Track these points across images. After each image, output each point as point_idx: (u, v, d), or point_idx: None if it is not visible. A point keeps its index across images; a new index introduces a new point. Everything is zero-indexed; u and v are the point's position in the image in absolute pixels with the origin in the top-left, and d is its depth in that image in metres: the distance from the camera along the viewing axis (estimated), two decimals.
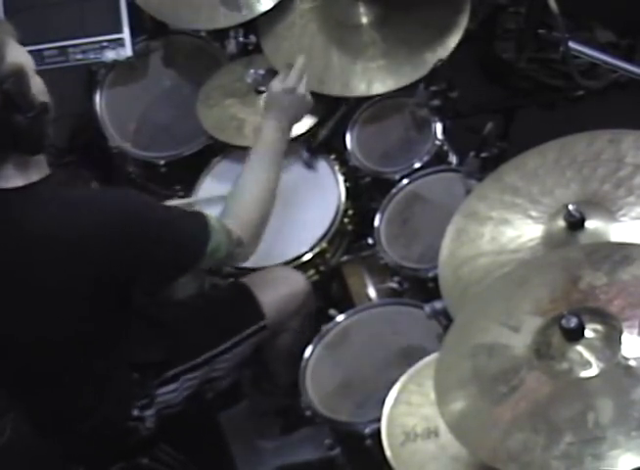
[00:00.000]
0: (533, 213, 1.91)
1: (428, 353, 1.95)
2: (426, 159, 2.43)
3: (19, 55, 1.83)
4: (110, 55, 2.67)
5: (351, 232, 2.55)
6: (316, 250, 2.45)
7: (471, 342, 1.69)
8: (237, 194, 2.18)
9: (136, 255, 1.92)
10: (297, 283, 2.36)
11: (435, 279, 2.02)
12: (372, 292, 2.48)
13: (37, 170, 1.89)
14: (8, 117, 1.79)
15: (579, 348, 1.55)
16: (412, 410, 1.88)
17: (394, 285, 2.34)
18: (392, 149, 2.52)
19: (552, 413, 1.49)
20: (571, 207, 1.82)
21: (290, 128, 2.32)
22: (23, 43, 1.88)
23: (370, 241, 2.40)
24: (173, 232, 1.99)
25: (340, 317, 2.29)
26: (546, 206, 1.91)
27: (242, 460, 2.58)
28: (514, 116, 2.74)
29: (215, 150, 2.66)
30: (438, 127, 2.45)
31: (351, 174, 2.54)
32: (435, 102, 2.46)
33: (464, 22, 2.49)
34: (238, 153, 2.60)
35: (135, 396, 2.13)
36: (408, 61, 2.50)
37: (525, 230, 1.90)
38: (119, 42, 2.67)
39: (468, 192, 2.12)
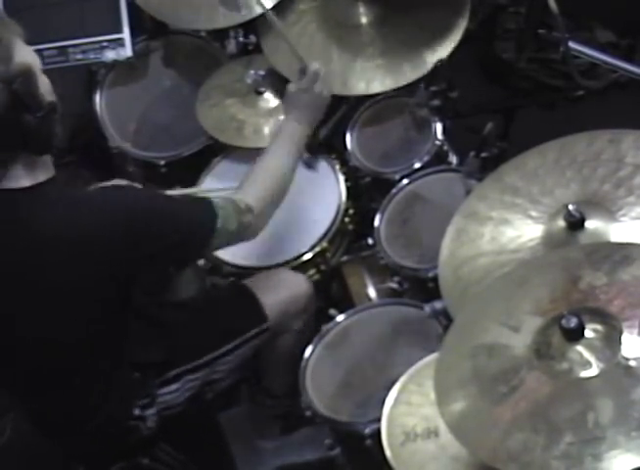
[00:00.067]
0: (533, 213, 1.91)
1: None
2: (426, 159, 2.43)
3: (26, 54, 1.83)
4: (110, 55, 2.67)
5: (352, 232, 2.55)
6: (317, 249, 2.45)
7: (471, 342, 1.69)
8: (251, 173, 2.20)
9: (144, 251, 1.92)
10: (299, 285, 2.36)
11: (435, 279, 2.02)
12: (372, 292, 2.48)
13: (44, 171, 1.90)
14: (17, 117, 1.79)
15: (579, 348, 1.55)
16: (412, 410, 1.88)
17: (394, 285, 2.34)
18: (392, 149, 2.52)
19: (552, 413, 1.49)
20: (571, 207, 1.81)
21: (309, 129, 2.34)
22: None
23: (370, 241, 2.40)
24: (179, 221, 1.99)
25: (340, 317, 2.29)
26: (546, 206, 1.91)
27: (242, 460, 2.58)
28: (514, 116, 2.74)
29: (215, 150, 2.66)
30: (438, 127, 2.45)
31: (351, 174, 2.54)
32: (435, 102, 2.46)
33: (464, 22, 2.49)
34: (238, 153, 2.60)
35: (136, 395, 2.14)
36: (408, 60, 2.49)
37: (525, 230, 1.90)
38: (119, 42, 2.67)
39: (468, 192, 2.12)
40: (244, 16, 2.61)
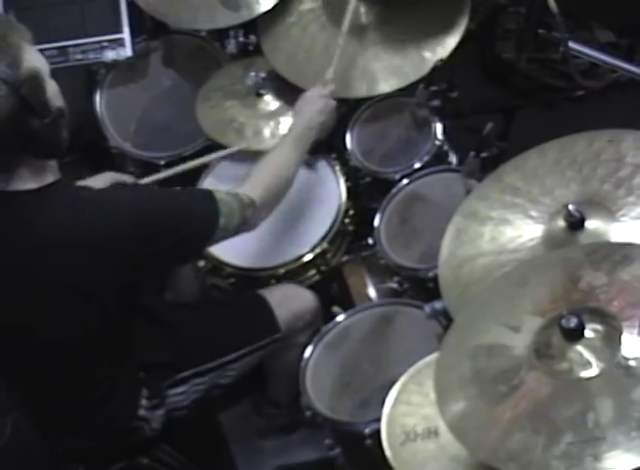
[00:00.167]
0: (533, 213, 1.91)
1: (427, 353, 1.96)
2: (426, 159, 2.43)
3: (35, 60, 1.84)
4: (110, 55, 2.67)
5: (352, 232, 2.55)
6: (317, 250, 2.45)
7: (471, 342, 1.69)
8: (256, 167, 2.23)
9: (154, 248, 1.94)
10: (307, 300, 2.38)
11: (435, 279, 2.02)
12: (372, 292, 2.48)
13: (51, 173, 1.91)
14: (24, 122, 1.80)
15: (579, 348, 1.55)
16: (412, 410, 1.88)
17: (394, 285, 2.34)
18: (392, 149, 2.52)
19: (552, 413, 1.49)
20: (571, 207, 1.81)
21: (317, 135, 2.38)
22: None
23: (370, 241, 2.40)
24: (185, 217, 2.00)
25: (340, 317, 2.29)
26: (546, 206, 1.91)
27: (242, 460, 2.59)
28: (514, 116, 2.74)
29: (215, 150, 2.66)
30: (438, 127, 2.45)
31: (351, 174, 2.54)
32: (435, 102, 2.46)
33: (464, 21, 2.49)
34: (238, 154, 2.60)
35: (142, 395, 2.14)
36: (408, 61, 2.50)
37: (525, 230, 1.90)
38: (119, 42, 2.67)
39: (468, 192, 2.12)
40: (244, 16, 2.61)
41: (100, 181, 2.33)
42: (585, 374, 1.52)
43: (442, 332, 2.03)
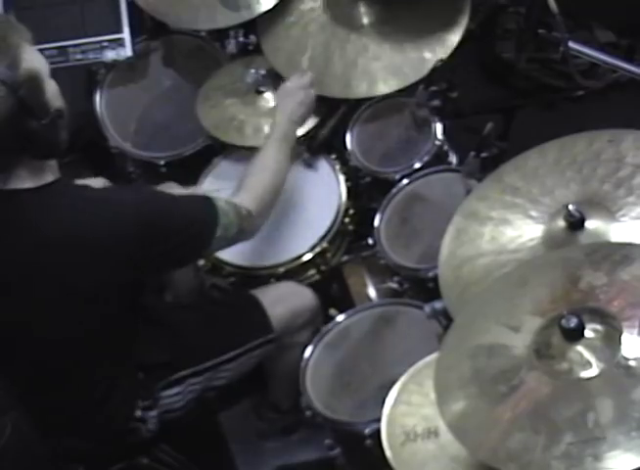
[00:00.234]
0: (533, 213, 1.91)
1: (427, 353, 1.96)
2: (426, 159, 2.43)
3: (34, 60, 1.83)
4: (110, 55, 2.67)
5: (352, 232, 2.55)
6: (317, 250, 2.45)
7: (471, 342, 1.69)
8: (248, 175, 2.23)
9: (154, 250, 1.94)
10: (305, 298, 2.37)
11: (435, 279, 2.02)
12: (372, 292, 2.48)
13: (50, 173, 1.91)
14: (22, 123, 1.80)
15: (579, 348, 1.55)
16: (412, 410, 1.88)
17: (394, 285, 2.34)
18: (392, 149, 2.52)
19: (552, 413, 1.49)
20: (571, 207, 1.81)
21: (300, 126, 2.40)
22: None
23: (370, 241, 2.40)
24: (184, 220, 2.01)
25: (340, 317, 2.29)
26: (546, 206, 1.91)
27: (242, 460, 2.59)
28: (514, 116, 2.74)
29: (215, 150, 2.66)
30: (438, 127, 2.45)
31: (351, 174, 2.54)
32: (435, 102, 2.46)
33: (464, 21, 2.49)
34: (238, 153, 2.60)
35: (139, 396, 2.14)
36: (408, 61, 2.49)
37: (525, 230, 1.90)
38: (119, 42, 2.67)
39: (468, 192, 2.12)
40: (244, 16, 2.61)
41: (97, 184, 2.33)
42: (585, 374, 1.52)
43: (442, 332, 2.03)
